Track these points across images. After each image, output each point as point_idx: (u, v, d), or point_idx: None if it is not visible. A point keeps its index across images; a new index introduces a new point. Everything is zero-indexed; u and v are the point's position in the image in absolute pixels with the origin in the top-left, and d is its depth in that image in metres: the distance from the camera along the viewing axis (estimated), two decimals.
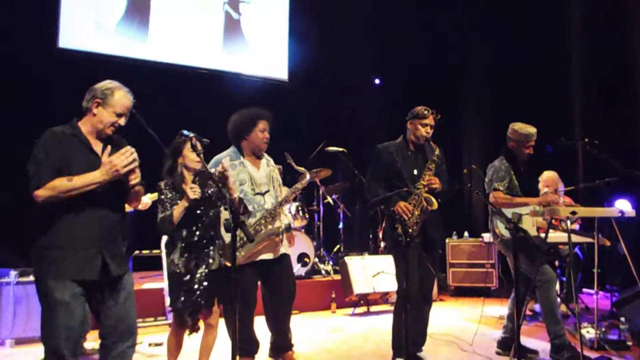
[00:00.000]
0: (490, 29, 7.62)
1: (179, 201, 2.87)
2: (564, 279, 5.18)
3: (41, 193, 2.21)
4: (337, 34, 7.86)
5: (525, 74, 6.97)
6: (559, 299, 4.82)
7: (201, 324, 2.99)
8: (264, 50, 7.78)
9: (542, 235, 3.38)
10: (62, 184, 2.22)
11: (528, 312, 5.05)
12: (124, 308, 2.40)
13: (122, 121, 2.42)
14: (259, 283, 3.38)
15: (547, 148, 4.75)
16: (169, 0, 7.07)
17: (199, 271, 2.87)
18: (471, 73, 8.17)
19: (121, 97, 2.41)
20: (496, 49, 7.51)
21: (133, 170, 2.34)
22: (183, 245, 2.88)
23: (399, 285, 3.39)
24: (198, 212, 2.92)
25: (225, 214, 3.04)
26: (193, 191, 2.80)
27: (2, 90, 5.47)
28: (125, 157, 2.30)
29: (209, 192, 2.97)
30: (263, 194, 3.35)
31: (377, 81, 8.72)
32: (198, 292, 2.85)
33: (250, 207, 3.26)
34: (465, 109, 8.34)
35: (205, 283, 2.86)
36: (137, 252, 4.90)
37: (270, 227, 3.22)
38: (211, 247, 2.93)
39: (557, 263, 5.17)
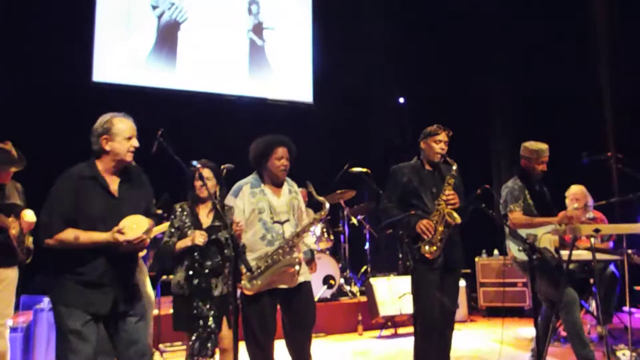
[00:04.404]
0: (515, 47, 7.54)
1: (188, 230, 3.04)
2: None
3: (50, 242, 2.37)
4: (360, 55, 7.92)
5: (553, 91, 6.86)
6: (594, 320, 4.65)
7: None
8: (288, 74, 7.93)
9: (564, 252, 3.28)
10: (68, 238, 2.34)
11: (563, 333, 4.86)
12: (134, 332, 2.47)
13: (135, 142, 2.50)
14: (278, 309, 3.39)
15: (583, 161, 4.63)
16: (194, 30, 7.32)
17: (207, 304, 3.01)
18: (497, 90, 8.04)
19: (121, 122, 2.48)
20: (521, 66, 7.41)
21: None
22: (187, 266, 3.02)
23: (417, 308, 3.34)
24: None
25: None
26: (201, 238, 2.96)
27: (40, 126, 5.76)
28: (130, 244, 2.37)
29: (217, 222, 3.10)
30: (282, 223, 3.33)
31: (401, 100, 8.72)
32: (210, 327, 2.98)
33: (268, 236, 3.27)
34: (493, 127, 8.18)
35: (212, 312, 2.96)
36: (164, 277, 5.00)
37: (288, 257, 3.19)
38: (214, 274, 3.05)
39: (592, 281, 4.97)
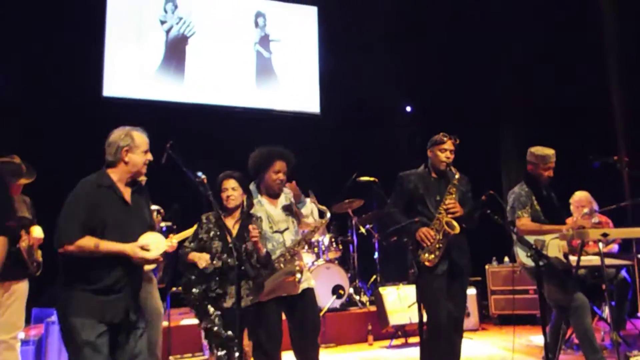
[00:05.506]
0: (524, 53, 7.54)
1: (212, 242, 3.08)
2: (613, 303, 4.88)
3: (69, 248, 2.36)
4: (367, 65, 7.94)
5: (563, 96, 6.84)
6: (608, 326, 4.58)
7: None
8: (295, 85, 7.99)
9: (573, 258, 3.25)
10: (88, 245, 2.36)
11: (576, 341, 4.79)
12: (138, 345, 2.51)
13: (149, 156, 2.62)
14: (284, 317, 3.39)
15: (593, 165, 4.61)
16: (202, 44, 7.42)
17: (220, 307, 2.99)
18: (507, 96, 8.03)
19: (140, 136, 2.60)
20: (531, 71, 7.40)
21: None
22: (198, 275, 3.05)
23: (423, 315, 3.31)
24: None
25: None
26: (200, 262, 2.99)
27: (52, 140, 5.86)
28: (153, 257, 2.48)
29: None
30: (282, 232, 3.35)
31: (408, 109, 8.74)
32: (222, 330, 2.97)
33: (269, 245, 3.28)
34: (503, 133, 8.16)
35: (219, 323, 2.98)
36: (174, 288, 5.02)
37: (289, 265, 3.21)
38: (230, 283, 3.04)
39: (603, 287, 4.90)
